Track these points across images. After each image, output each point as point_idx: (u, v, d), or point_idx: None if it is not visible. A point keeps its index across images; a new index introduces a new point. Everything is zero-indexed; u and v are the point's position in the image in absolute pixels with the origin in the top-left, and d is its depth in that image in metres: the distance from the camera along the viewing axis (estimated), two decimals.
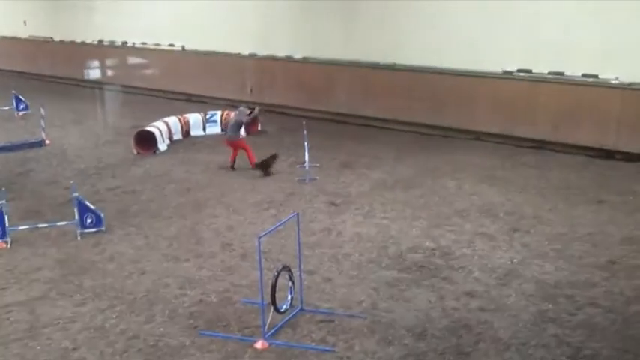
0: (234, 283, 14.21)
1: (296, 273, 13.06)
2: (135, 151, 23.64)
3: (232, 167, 21.50)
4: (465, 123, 24.14)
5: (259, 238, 11.96)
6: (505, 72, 23.23)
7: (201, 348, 11.93)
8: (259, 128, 25.90)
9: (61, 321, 13.05)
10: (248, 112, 22.06)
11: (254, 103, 27.75)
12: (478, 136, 23.78)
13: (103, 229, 17.06)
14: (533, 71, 22.68)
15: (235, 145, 21.72)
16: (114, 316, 13.11)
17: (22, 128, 28.36)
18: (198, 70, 31.92)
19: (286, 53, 28.84)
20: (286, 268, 12.74)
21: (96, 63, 36.59)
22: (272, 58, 29.38)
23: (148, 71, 33.97)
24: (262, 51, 29.70)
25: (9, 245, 16.58)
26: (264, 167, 20.94)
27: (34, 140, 25.80)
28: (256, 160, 21.18)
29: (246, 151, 21.57)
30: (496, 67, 23.32)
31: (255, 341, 11.96)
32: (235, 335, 12.24)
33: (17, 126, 28.80)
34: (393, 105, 25.67)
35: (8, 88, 32.75)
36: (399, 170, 20.93)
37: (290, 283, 12.89)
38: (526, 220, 16.80)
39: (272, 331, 12.18)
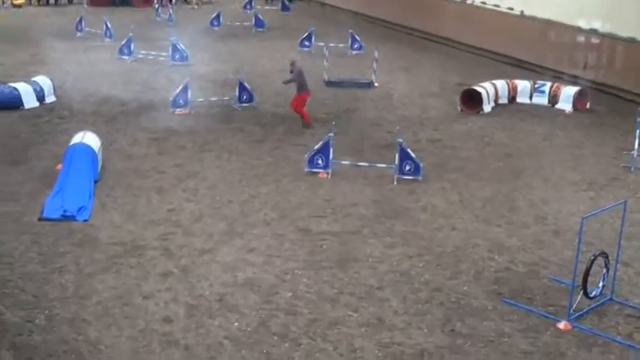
0: (544, 257, 13.90)
1: (612, 261, 12.53)
2: (459, 108, 23.66)
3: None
4: None
5: (582, 219, 11.57)
6: None
7: (502, 315, 11.82)
8: (588, 106, 24.94)
9: (370, 259, 13.46)
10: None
11: (587, 80, 26.81)
12: None
13: (420, 178, 17.29)
14: None
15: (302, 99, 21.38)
16: (420, 265, 13.30)
17: (353, 67, 29.25)
18: (533, 37, 31.18)
19: (630, 34, 27.40)
20: (604, 254, 12.25)
21: (431, 15, 36.82)
22: (613, 37, 28.07)
23: (482, 31, 33.65)
24: (604, 27, 28.44)
25: (329, 177, 17.27)
26: None
27: (363, 80, 26.60)
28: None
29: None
30: None
31: (558, 321, 11.66)
32: (538, 310, 12.00)
33: (349, 64, 29.75)
34: None
35: (346, 27, 33.91)
36: None
37: (604, 270, 12.40)
38: None
39: (577, 315, 11.80)
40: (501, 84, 24.76)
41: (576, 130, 22.29)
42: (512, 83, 25.20)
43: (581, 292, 11.90)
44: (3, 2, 41.48)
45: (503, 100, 24.46)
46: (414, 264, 13.33)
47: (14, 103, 21.49)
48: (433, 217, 15.47)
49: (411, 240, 14.29)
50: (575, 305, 11.80)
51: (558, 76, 27.41)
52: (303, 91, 21.33)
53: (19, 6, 41.26)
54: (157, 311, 11.44)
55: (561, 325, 11.60)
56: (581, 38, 29.18)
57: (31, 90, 21.98)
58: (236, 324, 11.20)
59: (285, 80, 22.19)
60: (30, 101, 21.78)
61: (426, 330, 11.30)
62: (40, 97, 22.13)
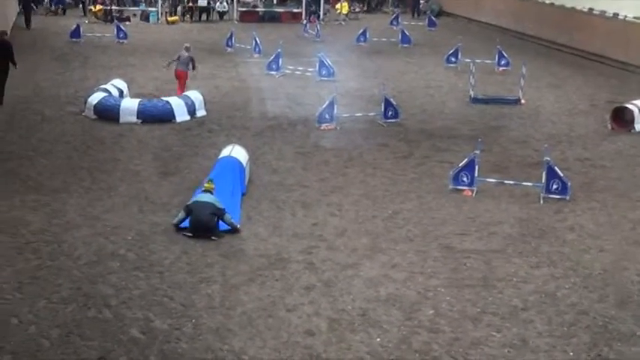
0: None
1: None
2: (610, 126, 23.01)
3: None
4: None
5: None
6: None
7: None
8: None
9: (514, 279, 13.24)
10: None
11: None
12: None
13: (567, 197, 16.90)
14: None
15: (181, 75, 24.97)
16: (566, 287, 12.99)
17: (499, 83, 28.99)
18: None
19: None
20: None
21: (582, 30, 36.00)
22: None
23: (634, 46, 32.63)
24: None
25: (474, 194, 17.10)
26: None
27: (510, 97, 26.26)
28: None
29: (183, 83, 24.98)
30: None
31: None
32: None
33: (496, 80, 29.46)
34: None
35: (493, 42, 33.58)
36: None
37: None
38: None
39: None
40: None
41: None
42: None
43: None
44: (158, 19, 43.10)
45: None
46: (559, 285, 13.03)
47: (167, 116, 22.26)
48: (580, 237, 15.08)
49: (557, 261, 13.97)
50: None
51: None
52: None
53: (174, 23, 42.77)
54: (299, 324, 11.59)
55: None
56: None
57: (183, 104, 22.72)
58: (378, 339, 11.22)
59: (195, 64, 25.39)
60: (181, 115, 22.51)
61: (571, 354, 11.02)
62: (191, 111, 22.83)
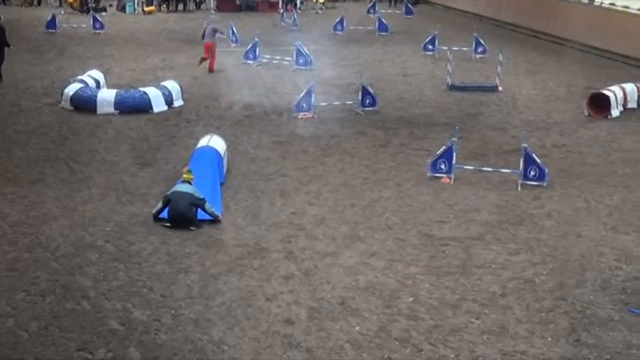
0: None
1: None
2: (586, 113, 23.12)
3: (204, 64, 27.68)
4: None
5: None
6: None
7: (630, 326, 11.48)
8: None
9: (492, 265, 13.30)
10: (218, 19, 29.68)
11: None
12: None
13: (544, 184, 16.97)
14: None
15: (209, 46, 27.63)
16: (544, 273, 13.06)
17: (477, 71, 29.03)
18: None
19: None
20: None
21: (558, 17, 36.09)
22: None
23: (610, 33, 32.76)
24: None
25: (452, 182, 17.14)
26: None
27: (487, 84, 26.32)
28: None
29: (212, 54, 27.66)
30: None
31: None
32: None
33: (473, 67, 29.51)
34: None
35: (469, 29, 33.61)
36: None
37: None
38: None
39: None
40: (630, 87, 24.06)
41: None
42: None
43: None
44: (134, 9, 42.85)
45: (632, 105, 23.76)
46: (537, 272, 13.10)
47: (144, 106, 22.14)
48: (558, 224, 15.16)
49: (535, 247, 14.05)
50: None
51: None
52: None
53: (150, 13, 42.53)
54: (279, 313, 11.59)
55: None
56: None
57: (160, 94, 22.60)
58: (357, 328, 11.24)
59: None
60: (159, 105, 22.40)
61: (550, 339, 11.09)
62: (169, 101, 22.73)
